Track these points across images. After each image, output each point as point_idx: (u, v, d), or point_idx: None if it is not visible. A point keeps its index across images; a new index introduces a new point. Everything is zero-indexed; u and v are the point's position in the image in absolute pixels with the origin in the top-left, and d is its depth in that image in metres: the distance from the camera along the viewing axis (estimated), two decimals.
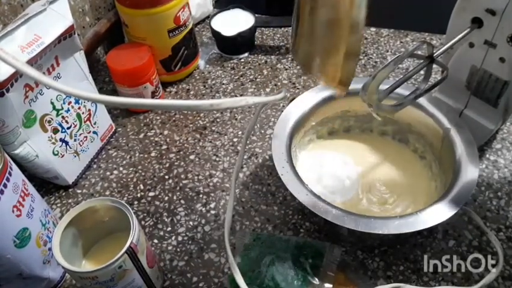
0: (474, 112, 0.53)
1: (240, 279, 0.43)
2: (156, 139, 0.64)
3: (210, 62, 0.77)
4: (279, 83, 0.71)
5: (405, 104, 0.46)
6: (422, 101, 0.54)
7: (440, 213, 0.43)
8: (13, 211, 0.41)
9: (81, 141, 0.59)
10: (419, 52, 0.47)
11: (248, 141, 0.63)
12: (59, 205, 0.57)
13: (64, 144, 0.56)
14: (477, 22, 0.48)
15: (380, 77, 0.44)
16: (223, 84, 0.72)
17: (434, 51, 0.46)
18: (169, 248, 0.52)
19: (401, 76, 0.46)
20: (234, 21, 0.76)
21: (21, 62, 0.31)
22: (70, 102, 0.56)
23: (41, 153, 0.53)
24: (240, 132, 0.64)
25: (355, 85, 0.55)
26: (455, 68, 0.55)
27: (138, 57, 0.65)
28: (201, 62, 0.76)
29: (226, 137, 0.64)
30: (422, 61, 0.47)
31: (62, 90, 0.32)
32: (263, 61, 0.76)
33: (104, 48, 0.79)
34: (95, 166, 0.61)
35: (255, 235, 0.49)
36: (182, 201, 0.56)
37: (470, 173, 0.46)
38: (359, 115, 0.58)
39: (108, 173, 0.60)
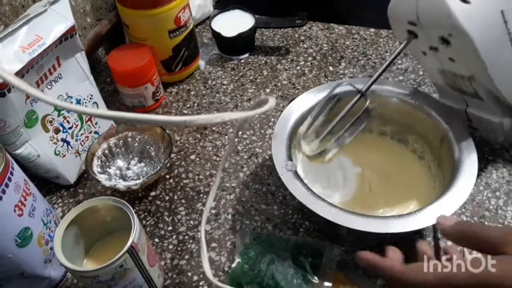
0: (476, 109, 0.52)
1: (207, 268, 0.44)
2: None
3: (210, 63, 0.77)
4: (279, 84, 0.71)
5: (329, 149, 0.51)
6: (422, 101, 0.54)
7: (439, 212, 0.43)
8: (15, 210, 0.41)
9: (82, 141, 0.59)
10: (352, 86, 0.52)
11: (248, 141, 0.63)
12: (60, 204, 0.57)
13: (65, 144, 0.56)
14: (412, 33, 0.49)
15: (300, 132, 0.51)
16: (224, 84, 0.72)
17: (362, 88, 0.50)
18: (170, 247, 0.52)
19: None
20: (234, 22, 0.76)
21: (10, 74, 0.31)
22: (71, 103, 0.56)
23: (42, 153, 0.53)
24: (240, 132, 0.64)
25: (355, 85, 0.56)
26: (430, 75, 0.56)
27: (139, 58, 0.65)
28: (201, 63, 0.77)
29: (226, 137, 0.64)
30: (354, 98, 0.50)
31: (50, 102, 0.32)
32: (263, 62, 0.76)
33: (105, 49, 0.79)
34: None
35: (255, 234, 0.50)
36: (183, 201, 0.57)
37: (468, 172, 0.46)
38: None
39: None
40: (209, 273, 0.43)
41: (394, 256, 0.39)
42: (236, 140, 0.49)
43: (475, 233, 0.34)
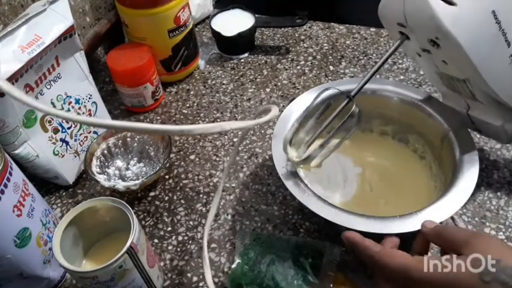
0: (477, 111, 0.52)
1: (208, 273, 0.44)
2: None
3: (210, 62, 0.77)
4: (279, 83, 0.71)
5: (314, 155, 0.48)
6: (423, 101, 0.54)
7: (439, 213, 0.43)
8: (13, 211, 0.41)
9: (81, 141, 0.59)
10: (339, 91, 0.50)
11: (248, 141, 0.63)
12: (59, 205, 0.57)
13: (64, 144, 0.56)
14: (404, 34, 0.48)
15: (287, 138, 0.48)
16: (223, 84, 0.72)
17: (351, 92, 0.48)
18: (170, 247, 0.52)
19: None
20: (234, 22, 0.76)
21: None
22: (70, 103, 0.56)
23: (41, 153, 0.53)
24: (240, 132, 0.64)
25: (353, 85, 0.55)
26: (429, 76, 0.56)
27: (138, 58, 0.65)
28: (201, 62, 0.77)
29: (226, 137, 0.64)
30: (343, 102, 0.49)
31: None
32: (263, 61, 0.76)
33: (104, 49, 0.79)
34: None
35: (255, 235, 0.49)
36: (182, 201, 0.56)
37: (469, 173, 0.46)
38: None
39: None
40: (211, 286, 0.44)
41: (390, 241, 0.41)
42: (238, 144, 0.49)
43: (445, 234, 0.38)
